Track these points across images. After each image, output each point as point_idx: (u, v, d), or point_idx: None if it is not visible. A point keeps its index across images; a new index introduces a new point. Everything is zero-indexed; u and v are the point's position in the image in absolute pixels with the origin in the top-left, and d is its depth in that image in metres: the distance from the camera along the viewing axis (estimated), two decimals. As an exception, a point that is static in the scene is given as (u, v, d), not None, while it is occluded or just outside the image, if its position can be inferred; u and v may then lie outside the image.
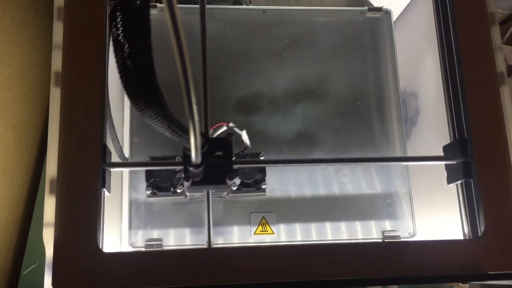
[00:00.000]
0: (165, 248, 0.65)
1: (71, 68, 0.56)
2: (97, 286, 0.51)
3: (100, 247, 0.52)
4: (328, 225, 0.69)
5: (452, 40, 0.64)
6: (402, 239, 0.69)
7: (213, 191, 0.59)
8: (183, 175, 0.52)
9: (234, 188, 0.63)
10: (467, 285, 0.59)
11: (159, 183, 0.62)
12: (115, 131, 0.64)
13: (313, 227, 0.68)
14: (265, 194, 0.66)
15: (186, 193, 0.62)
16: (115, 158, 0.70)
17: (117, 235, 0.77)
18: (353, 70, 0.75)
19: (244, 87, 0.73)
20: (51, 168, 0.54)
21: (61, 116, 0.55)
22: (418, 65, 0.82)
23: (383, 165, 0.72)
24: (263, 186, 0.65)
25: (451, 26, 0.65)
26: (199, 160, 0.50)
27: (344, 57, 0.76)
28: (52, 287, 0.50)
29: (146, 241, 0.65)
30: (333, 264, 0.54)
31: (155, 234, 0.65)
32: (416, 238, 0.70)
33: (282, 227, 0.67)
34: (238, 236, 0.67)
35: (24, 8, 0.78)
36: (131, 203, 0.66)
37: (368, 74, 0.76)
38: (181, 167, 0.53)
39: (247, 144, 0.61)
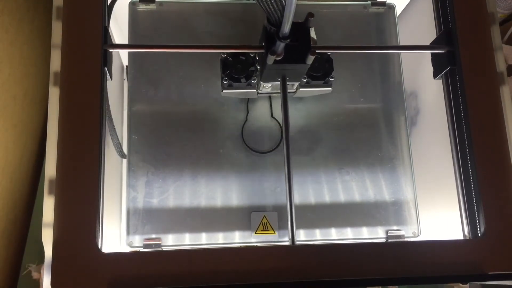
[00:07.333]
0: (164, 248, 0.64)
1: (70, 67, 0.56)
2: (96, 286, 0.51)
3: (100, 247, 0.52)
4: (332, 225, 0.69)
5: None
6: (406, 239, 0.69)
7: (288, 78, 0.62)
8: (266, 52, 0.56)
9: (305, 81, 0.65)
10: (467, 285, 0.59)
11: (234, 75, 0.64)
12: (114, 128, 0.65)
13: (317, 223, 0.68)
14: (330, 90, 0.67)
15: (260, 82, 0.63)
16: (114, 154, 0.70)
17: (116, 235, 0.77)
18: (356, 66, 0.74)
19: None
20: (50, 168, 0.54)
21: (60, 116, 0.55)
22: (418, 64, 0.81)
23: (389, 167, 0.71)
24: (331, 79, 0.66)
25: (451, 26, 0.65)
26: (287, 30, 0.53)
27: (347, 52, 0.74)
28: (51, 287, 0.50)
29: (145, 241, 0.64)
30: (335, 264, 0.54)
31: (154, 233, 0.65)
32: (420, 238, 0.70)
33: (285, 227, 0.67)
34: (239, 235, 0.67)
35: (23, 8, 0.78)
36: (129, 201, 0.66)
37: (372, 70, 0.75)
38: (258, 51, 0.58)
39: (315, 39, 0.63)
